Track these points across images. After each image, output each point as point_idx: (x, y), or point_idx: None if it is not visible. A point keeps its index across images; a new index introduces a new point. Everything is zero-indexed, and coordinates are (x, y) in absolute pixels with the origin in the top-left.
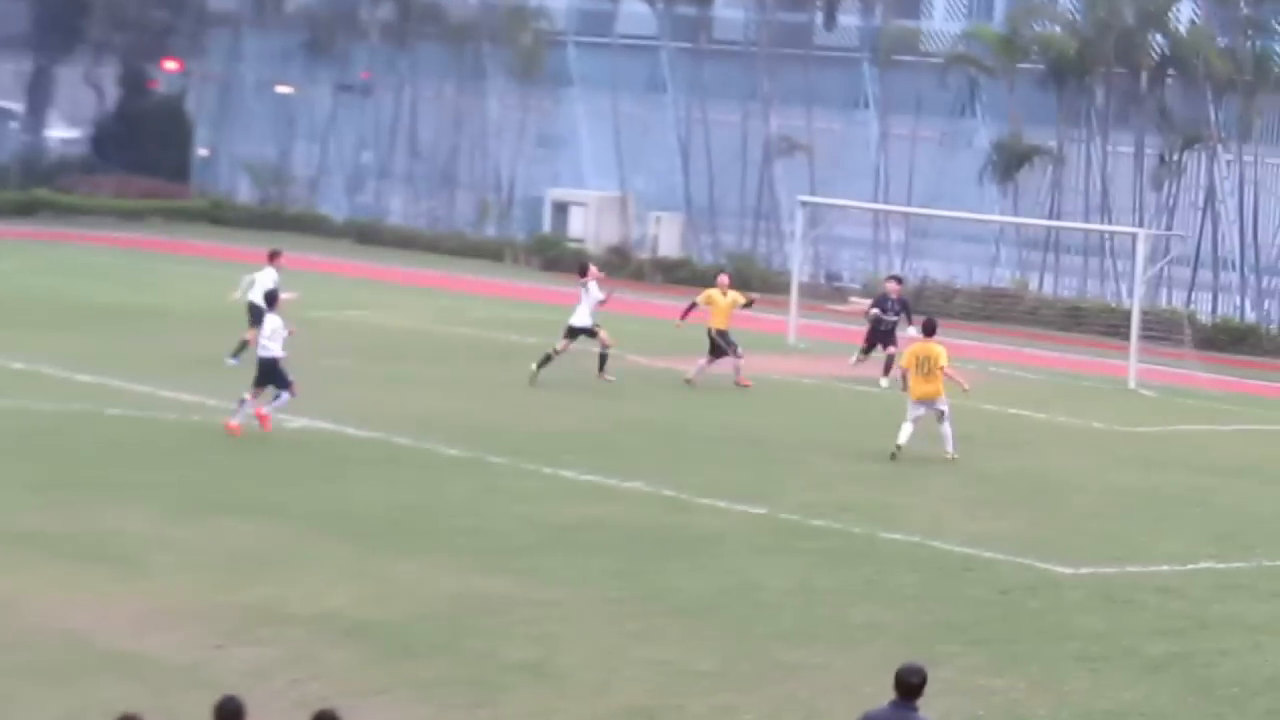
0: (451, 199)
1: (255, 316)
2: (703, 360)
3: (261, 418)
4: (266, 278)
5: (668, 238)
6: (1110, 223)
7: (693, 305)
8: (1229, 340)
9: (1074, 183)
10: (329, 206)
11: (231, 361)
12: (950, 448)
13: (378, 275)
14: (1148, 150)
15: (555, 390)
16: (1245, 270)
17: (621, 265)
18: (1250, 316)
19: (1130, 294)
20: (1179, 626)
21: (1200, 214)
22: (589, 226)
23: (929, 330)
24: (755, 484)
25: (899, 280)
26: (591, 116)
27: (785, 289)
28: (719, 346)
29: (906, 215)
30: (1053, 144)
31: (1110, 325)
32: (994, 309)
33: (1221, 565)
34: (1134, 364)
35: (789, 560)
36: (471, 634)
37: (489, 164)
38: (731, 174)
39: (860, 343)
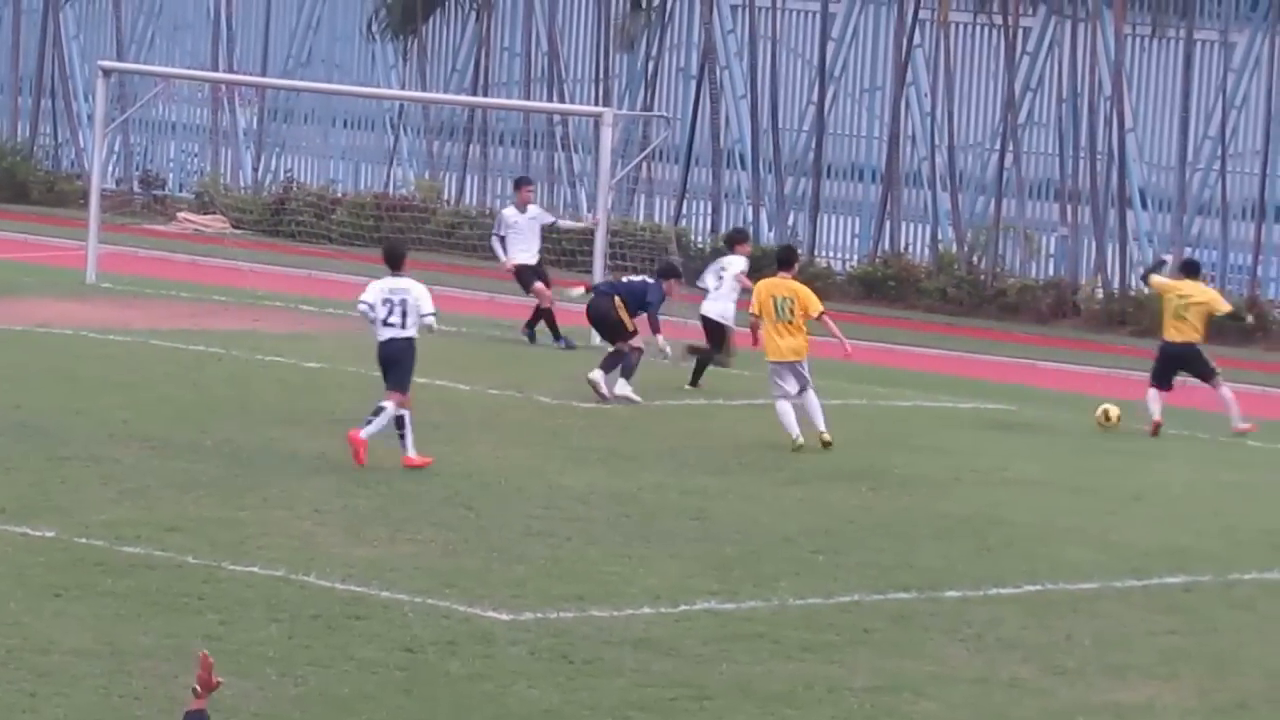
0: None
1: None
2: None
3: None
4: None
5: None
6: (563, 98)
7: None
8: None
9: (507, 40)
10: None
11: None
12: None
13: None
14: None
15: None
16: (760, 168)
17: None
18: (768, 237)
19: (593, 204)
20: (667, 697)
21: (695, 85)
22: None
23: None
24: (37, 493)
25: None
26: None
27: (80, 201)
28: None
29: (260, 89)
30: None
31: (564, 251)
32: (392, 226)
33: (728, 606)
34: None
35: (89, 607)
36: None
37: None
38: None
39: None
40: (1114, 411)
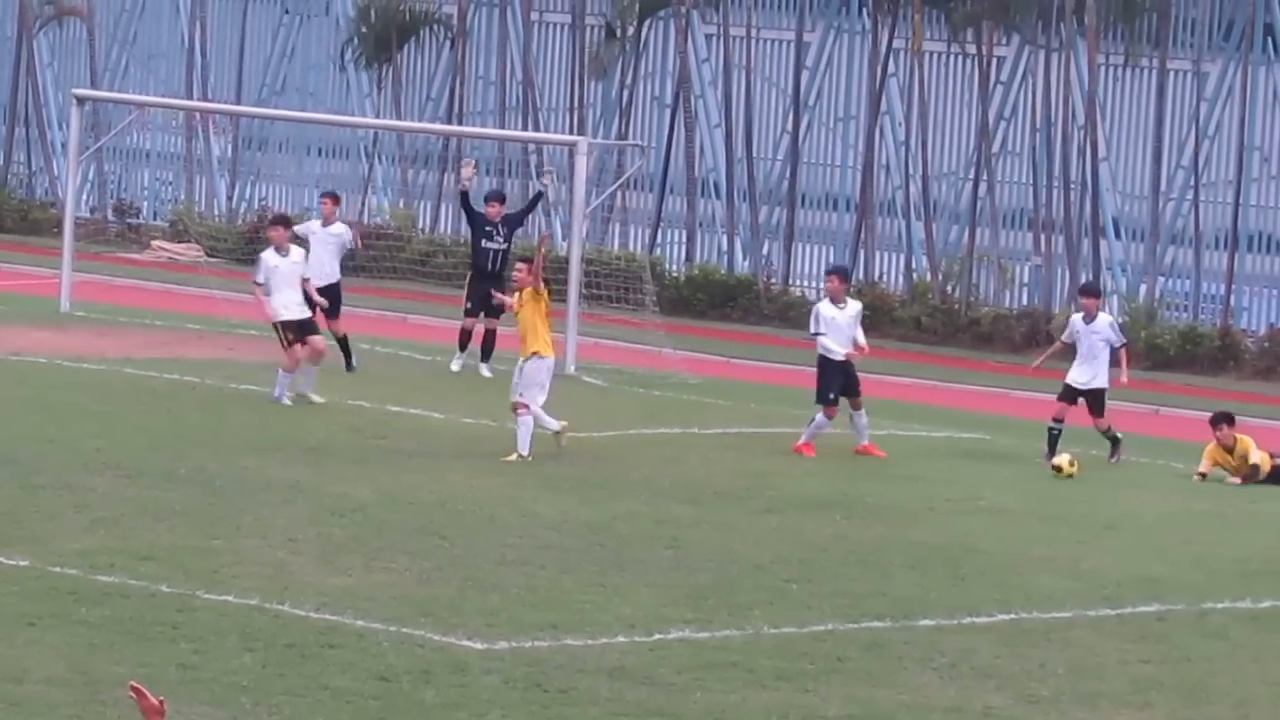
0: None
1: None
2: None
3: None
4: None
5: None
6: (538, 127)
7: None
8: (711, 301)
9: (482, 69)
10: None
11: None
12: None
13: None
14: (590, 20)
15: None
16: (735, 197)
17: None
18: (743, 266)
19: (568, 233)
20: None
21: (669, 114)
22: None
23: None
24: (9, 522)
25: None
26: None
27: (54, 229)
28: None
29: (233, 117)
30: (451, 10)
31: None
32: (365, 256)
33: (702, 634)
34: (573, 339)
35: (63, 636)
36: None
37: None
38: None
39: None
40: (1066, 464)
